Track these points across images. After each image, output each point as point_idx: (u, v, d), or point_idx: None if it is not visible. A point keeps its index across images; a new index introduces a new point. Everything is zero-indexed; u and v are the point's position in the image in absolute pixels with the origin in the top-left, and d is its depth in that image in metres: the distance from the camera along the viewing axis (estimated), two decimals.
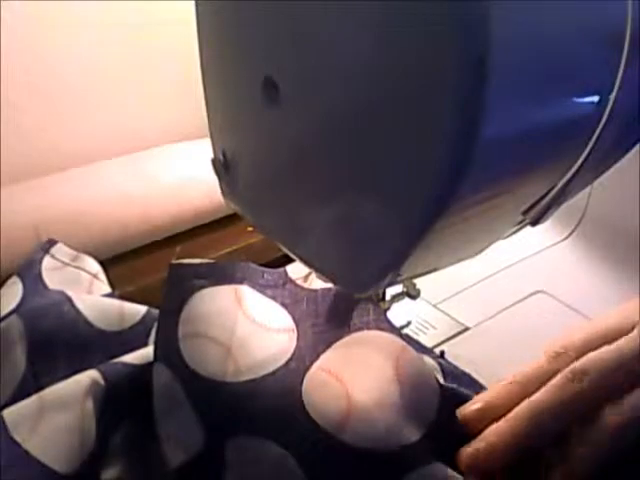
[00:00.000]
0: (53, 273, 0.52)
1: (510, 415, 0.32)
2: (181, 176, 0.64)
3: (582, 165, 0.27)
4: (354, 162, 0.29)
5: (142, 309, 0.48)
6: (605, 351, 0.31)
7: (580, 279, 0.49)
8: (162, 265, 0.60)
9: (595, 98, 0.26)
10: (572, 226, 0.52)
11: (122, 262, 0.60)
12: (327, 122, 0.29)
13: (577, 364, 0.31)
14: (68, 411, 0.34)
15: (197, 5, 0.34)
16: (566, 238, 0.52)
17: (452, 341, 0.43)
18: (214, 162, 0.37)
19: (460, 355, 0.41)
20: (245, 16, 0.31)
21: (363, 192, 0.29)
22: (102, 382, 0.35)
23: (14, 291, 0.49)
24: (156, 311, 0.46)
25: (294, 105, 0.30)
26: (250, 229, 0.63)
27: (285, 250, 0.36)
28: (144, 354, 0.38)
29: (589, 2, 0.25)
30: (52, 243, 0.55)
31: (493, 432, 0.32)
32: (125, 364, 0.37)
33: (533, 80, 0.24)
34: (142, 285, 0.58)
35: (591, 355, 0.31)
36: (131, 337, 0.46)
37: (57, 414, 0.34)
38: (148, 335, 0.46)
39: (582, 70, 0.26)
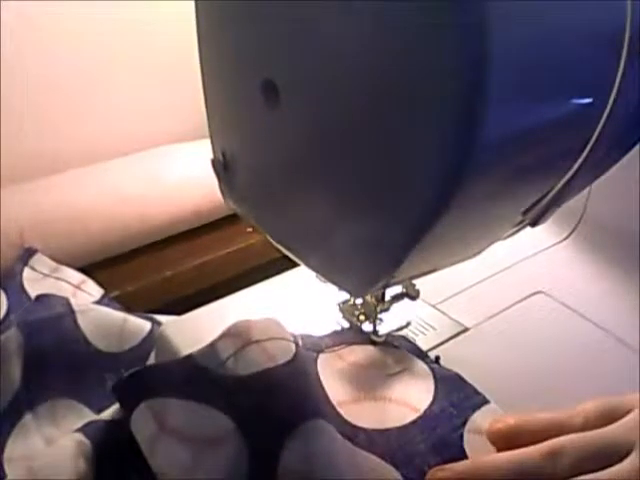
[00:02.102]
0: (34, 284, 0.52)
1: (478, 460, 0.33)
2: (180, 176, 0.64)
3: (581, 166, 0.27)
4: (353, 164, 0.29)
5: (146, 327, 0.47)
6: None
7: (580, 280, 0.49)
8: (161, 265, 0.60)
9: (594, 99, 0.26)
10: (571, 227, 0.52)
11: (122, 262, 0.60)
12: (326, 123, 0.29)
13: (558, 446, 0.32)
14: (61, 474, 0.33)
15: (197, 5, 0.34)
16: (565, 239, 0.52)
17: (452, 342, 0.43)
18: (214, 162, 0.37)
19: (459, 356, 0.41)
20: (244, 17, 0.31)
21: (361, 194, 0.29)
22: (87, 442, 0.35)
23: None
24: (159, 329, 0.46)
25: (293, 106, 0.30)
26: (249, 229, 0.63)
27: (283, 250, 0.36)
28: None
29: (589, 2, 0.25)
30: (31, 253, 0.55)
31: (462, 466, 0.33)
32: (106, 422, 0.37)
33: (533, 81, 0.24)
34: (142, 285, 0.58)
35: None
36: (128, 360, 0.46)
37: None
38: (146, 359, 0.46)
39: (582, 71, 0.26)
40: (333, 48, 0.26)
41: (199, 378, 0.36)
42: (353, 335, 0.42)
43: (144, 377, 0.36)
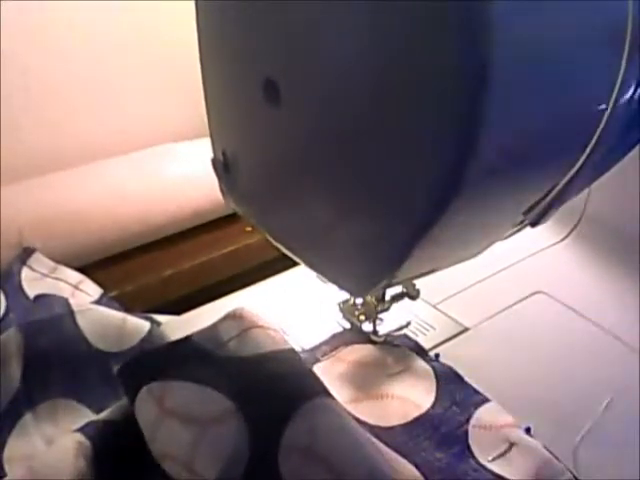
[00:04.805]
0: (33, 284, 0.52)
1: None
2: (180, 175, 0.64)
3: (582, 166, 0.27)
4: (353, 164, 0.29)
5: (145, 327, 0.47)
6: None
7: (579, 280, 0.49)
8: (161, 265, 0.60)
9: (596, 100, 0.26)
10: (571, 227, 0.52)
11: (121, 261, 0.60)
12: (326, 123, 0.29)
13: None
14: (61, 474, 0.33)
15: (197, 6, 0.34)
16: (565, 238, 0.52)
17: (452, 342, 0.43)
18: (214, 162, 0.37)
19: (459, 356, 0.41)
20: (244, 17, 0.30)
21: (362, 194, 0.29)
22: (87, 442, 0.35)
23: None
24: (159, 329, 0.46)
25: (294, 105, 0.30)
26: (249, 229, 0.63)
27: (283, 250, 0.36)
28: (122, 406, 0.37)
29: (589, 3, 0.25)
30: (29, 253, 0.54)
31: None
32: (106, 422, 0.36)
33: (534, 83, 0.24)
34: (141, 285, 0.58)
35: None
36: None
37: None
38: None
39: (583, 70, 0.26)
40: (333, 49, 0.26)
41: (198, 359, 0.36)
42: (353, 335, 0.43)
43: (145, 361, 0.36)
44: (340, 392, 0.38)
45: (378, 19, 0.24)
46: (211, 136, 0.37)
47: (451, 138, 0.24)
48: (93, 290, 0.54)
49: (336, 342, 0.42)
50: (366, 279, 0.32)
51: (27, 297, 0.51)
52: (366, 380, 0.40)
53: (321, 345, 0.42)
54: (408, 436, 0.36)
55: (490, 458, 0.35)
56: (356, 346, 0.42)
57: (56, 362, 0.44)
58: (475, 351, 0.42)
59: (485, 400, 0.38)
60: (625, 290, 0.47)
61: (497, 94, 0.23)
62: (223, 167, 0.36)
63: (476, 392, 0.38)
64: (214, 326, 0.37)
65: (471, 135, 0.24)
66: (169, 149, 0.67)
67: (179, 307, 0.52)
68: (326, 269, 0.34)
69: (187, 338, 0.37)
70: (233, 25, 0.32)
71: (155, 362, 0.36)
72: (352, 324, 0.43)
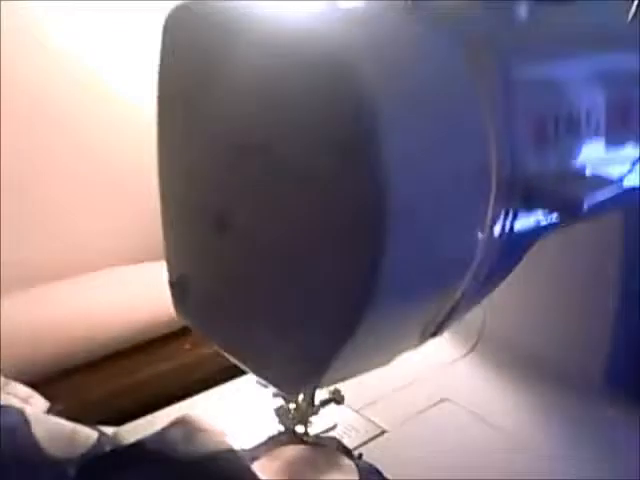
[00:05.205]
0: None
1: None
2: (125, 298, 0.70)
3: (468, 286, 0.36)
4: (280, 288, 0.35)
5: (93, 435, 0.50)
6: None
7: (483, 388, 0.56)
8: (105, 379, 0.64)
9: (471, 235, 0.34)
10: (472, 343, 0.61)
11: (67, 377, 0.64)
12: (270, 252, 0.36)
13: None
14: None
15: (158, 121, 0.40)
16: (466, 355, 0.60)
17: (372, 443, 0.49)
18: (171, 284, 0.44)
19: (379, 455, 0.47)
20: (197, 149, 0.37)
21: (289, 313, 0.36)
22: None
23: None
24: (108, 436, 0.50)
25: (243, 237, 0.36)
26: (188, 347, 0.68)
27: (232, 360, 0.42)
28: None
29: (463, 145, 0.32)
30: None
31: None
32: None
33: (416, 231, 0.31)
34: (85, 399, 0.62)
35: None
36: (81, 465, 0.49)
37: None
38: None
39: (459, 207, 0.33)
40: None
41: (149, 462, 0.40)
42: (287, 437, 0.48)
43: (102, 463, 0.41)
44: None
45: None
46: (167, 259, 0.43)
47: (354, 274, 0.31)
48: (41, 404, 0.57)
49: (272, 443, 0.47)
50: (297, 383, 0.39)
51: None
52: (299, 475, 0.45)
53: (260, 445, 0.47)
54: None
55: None
56: (290, 446, 0.47)
57: (14, 473, 0.47)
58: (393, 451, 0.48)
59: None
60: (524, 395, 0.55)
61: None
62: (179, 289, 0.43)
63: None
64: (163, 431, 0.42)
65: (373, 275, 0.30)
66: (115, 272, 0.73)
67: (123, 420, 0.57)
68: (265, 375, 0.40)
69: (139, 442, 0.42)
70: (184, 152, 0.38)
71: (112, 463, 0.40)
72: (286, 427, 0.48)
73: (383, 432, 0.50)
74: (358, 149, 0.29)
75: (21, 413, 0.50)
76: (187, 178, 0.39)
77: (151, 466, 0.40)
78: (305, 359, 0.37)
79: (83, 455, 0.49)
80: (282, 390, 0.41)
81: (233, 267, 0.38)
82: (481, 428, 0.51)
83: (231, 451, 0.41)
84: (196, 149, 0.37)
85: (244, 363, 0.42)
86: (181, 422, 0.42)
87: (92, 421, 0.58)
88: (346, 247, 0.31)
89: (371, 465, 0.46)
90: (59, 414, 0.57)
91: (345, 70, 0.28)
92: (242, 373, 0.56)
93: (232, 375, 0.59)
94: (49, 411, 0.57)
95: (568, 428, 0.51)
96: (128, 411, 0.61)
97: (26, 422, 0.49)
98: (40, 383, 0.61)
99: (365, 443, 0.49)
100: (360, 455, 0.47)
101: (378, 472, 0.45)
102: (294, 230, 0.33)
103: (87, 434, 0.51)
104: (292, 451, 0.47)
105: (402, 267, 0.31)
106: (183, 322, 0.45)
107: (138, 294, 0.69)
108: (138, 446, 0.41)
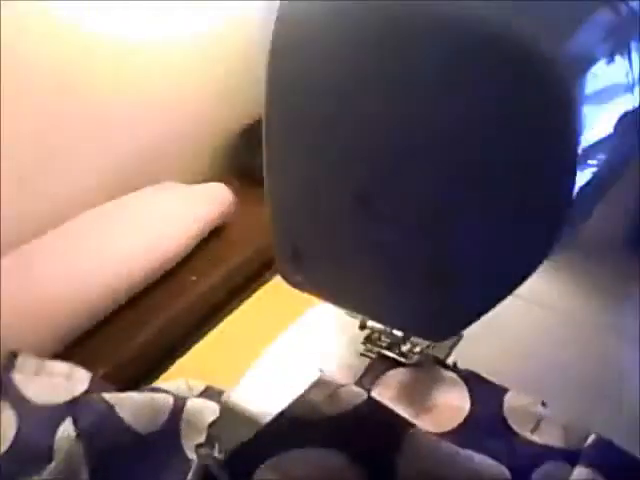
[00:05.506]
0: (28, 387, 0.51)
1: None
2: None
3: None
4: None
5: (168, 399, 0.50)
6: None
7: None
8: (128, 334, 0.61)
9: None
10: None
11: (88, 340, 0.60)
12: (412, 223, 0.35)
13: None
14: None
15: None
16: None
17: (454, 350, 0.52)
18: (280, 251, 0.41)
19: (469, 359, 0.50)
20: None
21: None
22: None
23: (7, 418, 0.48)
24: (181, 399, 0.50)
25: (384, 217, 0.35)
26: (194, 278, 0.66)
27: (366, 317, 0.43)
28: None
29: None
30: (14, 356, 0.54)
31: None
32: None
33: None
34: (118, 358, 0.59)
35: None
36: (164, 438, 0.49)
37: None
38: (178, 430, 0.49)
39: None
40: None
41: (297, 428, 0.42)
42: (384, 362, 0.50)
43: (253, 446, 0.41)
44: (400, 413, 0.46)
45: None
46: (276, 224, 0.41)
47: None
48: (84, 375, 0.54)
49: (374, 372, 0.49)
50: (447, 332, 0.40)
51: (33, 403, 0.50)
52: (414, 398, 0.48)
53: (362, 377, 0.49)
54: (465, 435, 0.45)
55: (530, 431, 0.45)
56: (392, 371, 0.49)
57: (116, 461, 0.46)
58: (475, 353, 0.51)
59: (505, 389, 0.48)
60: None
61: None
62: (292, 256, 0.41)
63: (496, 385, 0.49)
64: (302, 397, 0.43)
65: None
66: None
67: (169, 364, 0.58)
68: (409, 327, 0.41)
69: (280, 415, 0.42)
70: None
71: (263, 445, 0.41)
72: (377, 353, 0.50)
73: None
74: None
75: (102, 400, 0.48)
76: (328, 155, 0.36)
77: (299, 433, 0.42)
78: (462, 311, 0.38)
79: (165, 422, 0.49)
80: (429, 339, 0.42)
81: (369, 241, 0.37)
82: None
83: (370, 399, 0.43)
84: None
85: (379, 320, 0.43)
86: (317, 384, 0.43)
87: (132, 377, 0.57)
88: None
89: (470, 371, 0.49)
90: (102, 381, 0.55)
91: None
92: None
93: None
94: (92, 381, 0.54)
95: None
96: (166, 356, 0.60)
97: (110, 407, 0.48)
98: (59, 353, 0.58)
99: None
100: (455, 364, 0.50)
101: (478, 376, 0.49)
102: None
103: (163, 400, 0.50)
104: (400, 375, 0.49)
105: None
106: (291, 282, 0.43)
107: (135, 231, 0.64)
108: (279, 419, 0.42)
